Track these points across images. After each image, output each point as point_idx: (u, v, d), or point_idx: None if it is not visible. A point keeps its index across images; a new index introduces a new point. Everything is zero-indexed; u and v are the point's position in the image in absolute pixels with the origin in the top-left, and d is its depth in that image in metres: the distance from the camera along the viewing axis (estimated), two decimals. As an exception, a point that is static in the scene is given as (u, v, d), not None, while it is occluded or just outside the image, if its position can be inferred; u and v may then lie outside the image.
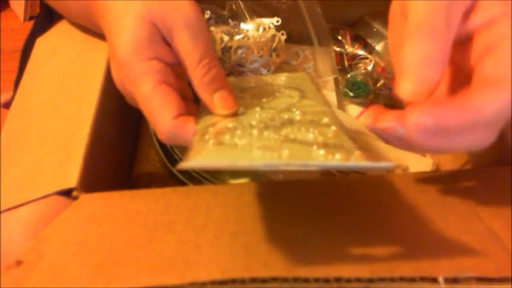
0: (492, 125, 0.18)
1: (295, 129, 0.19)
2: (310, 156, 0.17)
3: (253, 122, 0.20)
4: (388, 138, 0.19)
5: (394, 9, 0.21)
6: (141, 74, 0.21)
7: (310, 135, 0.19)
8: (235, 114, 0.22)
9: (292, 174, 0.30)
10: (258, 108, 0.22)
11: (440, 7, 0.18)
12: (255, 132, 0.19)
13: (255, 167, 0.16)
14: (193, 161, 0.16)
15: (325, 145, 0.18)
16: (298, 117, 0.21)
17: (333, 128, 0.20)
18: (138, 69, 0.21)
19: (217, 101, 0.22)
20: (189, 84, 0.24)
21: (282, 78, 0.27)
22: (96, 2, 0.25)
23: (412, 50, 0.18)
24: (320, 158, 0.16)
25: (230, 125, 0.20)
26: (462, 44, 0.19)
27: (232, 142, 0.18)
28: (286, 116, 0.21)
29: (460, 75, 0.20)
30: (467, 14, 0.19)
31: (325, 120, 0.21)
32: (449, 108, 0.17)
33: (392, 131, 0.18)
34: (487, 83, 0.18)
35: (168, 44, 0.22)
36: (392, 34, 0.22)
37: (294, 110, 0.22)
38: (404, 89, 0.17)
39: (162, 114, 0.20)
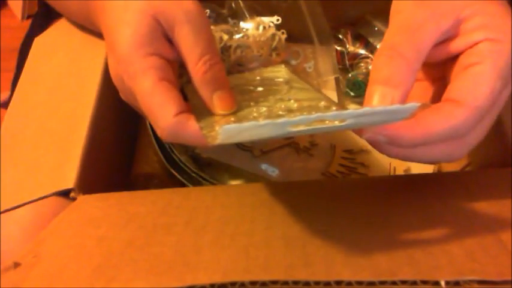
0: (455, 140, 0.19)
1: (298, 115, 0.20)
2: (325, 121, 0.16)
3: (255, 115, 0.20)
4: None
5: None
6: (141, 70, 0.21)
7: (299, 116, 0.19)
8: (232, 112, 0.22)
9: (295, 174, 0.30)
10: (252, 103, 0.22)
11: (407, 28, 0.18)
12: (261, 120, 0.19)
13: (269, 131, 0.16)
14: (219, 138, 0.15)
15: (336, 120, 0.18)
16: (295, 105, 0.21)
17: (334, 108, 0.20)
18: (138, 65, 0.21)
19: (217, 101, 0.22)
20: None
21: (261, 73, 0.27)
22: (95, 2, 0.25)
23: (374, 70, 0.19)
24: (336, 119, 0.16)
25: (232, 119, 0.20)
26: (450, 64, 0.20)
27: None
28: (283, 106, 0.21)
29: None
30: (451, 38, 0.19)
31: (323, 103, 0.21)
32: (405, 125, 0.18)
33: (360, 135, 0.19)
34: (447, 100, 0.18)
35: (168, 40, 0.22)
36: None
37: (287, 99, 0.22)
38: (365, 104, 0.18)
39: (163, 112, 0.20)
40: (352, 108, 0.36)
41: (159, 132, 0.21)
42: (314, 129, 0.16)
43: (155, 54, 0.21)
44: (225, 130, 0.15)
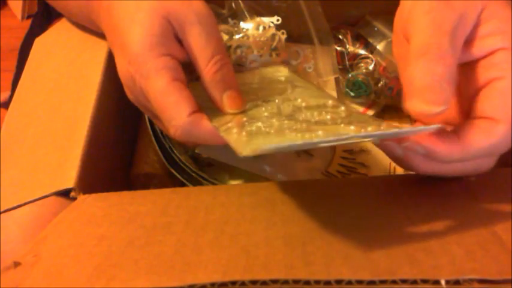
0: (488, 157, 0.19)
1: (309, 114, 0.20)
2: (344, 132, 0.17)
3: (265, 114, 0.21)
4: (389, 154, 0.20)
5: (396, 24, 0.21)
6: (154, 70, 0.21)
7: (328, 117, 0.19)
8: (242, 111, 0.22)
9: (295, 174, 0.30)
10: (259, 102, 0.22)
11: (445, 30, 0.18)
12: (274, 121, 0.19)
13: (298, 147, 0.16)
14: (245, 151, 0.16)
15: (349, 122, 0.18)
16: (303, 104, 0.21)
17: (343, 107, 0.20)
18: (152, 65, 0.21)
19: (227, 100, 0.22)
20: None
21: (261, 73, 0.28)
22: (99, 1, 0.25)
23: (422, 71, 0.18)
24: (353, 132, 0.17)
25: (244, 119, 0.21)
26: (465, 69, 0.20)
27: (262, 131, 0.18)
28: (291, 105, 0.21)
29: (463, 97, 0.20)
30: (468, 42, 0.19)
31: (330, 102, 0.21)
32: (442, 140, 0.18)
33: (391, 149, 0.19)
34: (483, 118, 0.18)
35: (178, 41, 0.22)
36: (397, 48, 0.22)
37: (294, 99, 0.22)
38: (418, 109, 0.18)
39: (177, 111, 0.20)
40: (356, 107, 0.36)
41: (172, 132, 0.21)
42: (341, 143, 0.17)
43: (167, 55, 0.21)
44: (264, 150, 0.15)
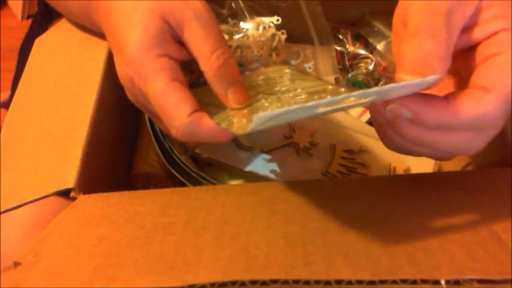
0: (478, 130, 0.18)
1: (309, 99, 0.20)
2: (340, 91, 0.17)
3: (266, 104, 0.21)
4: (377, 122, 0.19)
5: (396, 18, 0.21)
6: (153, 72, 0.21)
7: (328, 97, 0.19)
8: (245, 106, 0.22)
9: (294, 174, 0.30)
10: (260, 95, 0.23)
11: (439, 11, 0.18)
12: (274, 107, 0.20)
13: (294, 114, 0.16)
14: (247, 130, 0.16)
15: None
16: (303, 92, 0.22)
17: (343, 89, 0.20)
18: (150, 67, 0.21)
19: (231, 95, 0.22)
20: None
21: (263, 73, 0.28)
22: (98, 2, 0.25)
23: (412, 48, 0.18)
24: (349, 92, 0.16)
25: (246, 111, 0.21)
26: (466, 55, 0.20)
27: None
28: (291, 95, 0.21)
29: (464, 86, 0.20)
30: (469, 28, 0.19)
31: (330, 87, 0.21)
32: (431, 103, 0.18)
33: (380, 113, 0.18)
34: (476, 87, 0.18)
35: (176, 40, 0.22)
36: (396, 42, 0.22)
37: (294, 90, 0.22)
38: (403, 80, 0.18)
39: (177, 111, 0.20)
40: (353, 109, 0.36)
41: (173, 132, 0.21)
42: (341, 107, 0.16)
43: (165, 55, 0.21)
44: (259, 118, 0.15)
